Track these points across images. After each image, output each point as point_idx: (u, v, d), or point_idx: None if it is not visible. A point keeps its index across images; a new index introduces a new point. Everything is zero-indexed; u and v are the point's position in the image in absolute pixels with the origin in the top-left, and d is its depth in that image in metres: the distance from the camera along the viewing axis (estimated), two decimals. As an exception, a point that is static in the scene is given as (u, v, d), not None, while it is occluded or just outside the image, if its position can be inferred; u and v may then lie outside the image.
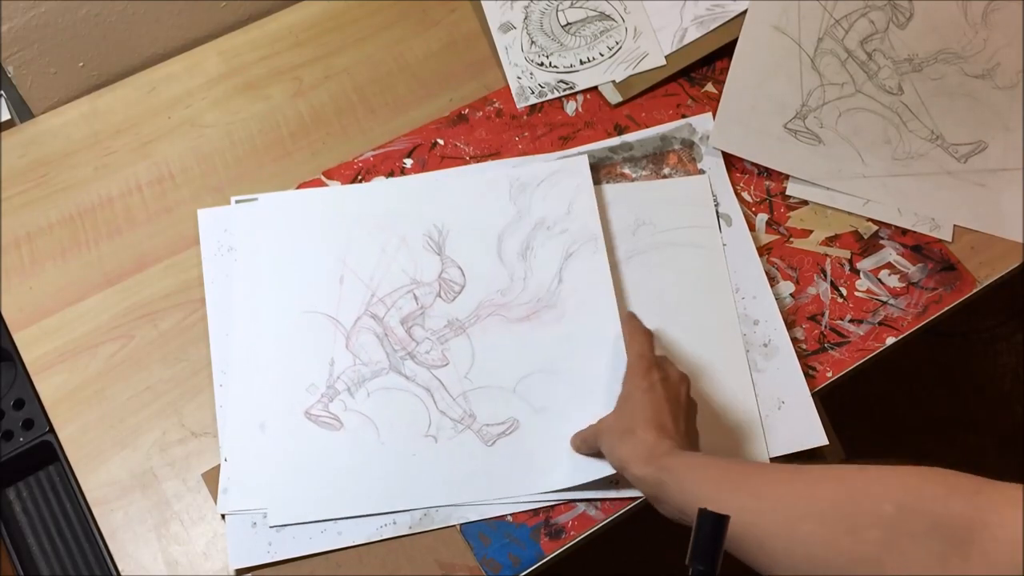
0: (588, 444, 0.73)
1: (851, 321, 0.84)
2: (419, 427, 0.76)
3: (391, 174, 0.90)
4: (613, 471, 0.71)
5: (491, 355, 0.79)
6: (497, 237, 0.84)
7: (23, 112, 0.94)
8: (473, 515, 0.74)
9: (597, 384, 0.77)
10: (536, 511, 0.75)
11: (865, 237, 0.88)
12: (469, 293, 0.81)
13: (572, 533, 0.74)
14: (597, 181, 0.89)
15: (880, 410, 1.53)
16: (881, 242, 0.88)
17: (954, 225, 0.89)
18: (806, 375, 0.80)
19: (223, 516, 0.74)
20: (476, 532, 0.74)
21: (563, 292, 0.81)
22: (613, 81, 0.95)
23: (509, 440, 0.76)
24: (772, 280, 0.85)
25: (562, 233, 0.84)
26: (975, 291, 0.86)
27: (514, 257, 0.83)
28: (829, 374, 0.81)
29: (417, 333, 0.79)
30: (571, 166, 0.87)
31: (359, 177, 0.89)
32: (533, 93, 0.95)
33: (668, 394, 0.69)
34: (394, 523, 0.74)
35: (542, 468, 0.75)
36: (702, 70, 0.97)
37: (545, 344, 0.79)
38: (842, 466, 0.57)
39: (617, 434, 0.68)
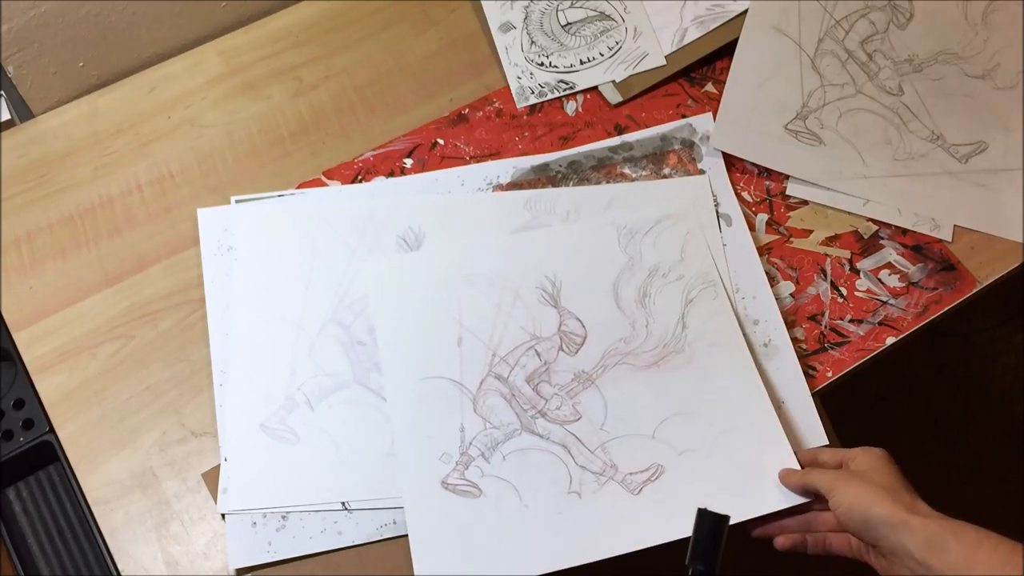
0: (801, 484, 0.72)
1: (851, 321, 0.84)
2: (561, 485, 0.74)
3: (391, 174, 0.90)
4: (784, 506, 0.72)
5: (624, 404, 0.77)
6: (612, 285, 0.82)
7: (23, 112, 0.94)
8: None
9: (743, 423, 0.76)
10: (536, 511, 0.75)
11: (865, 237, 0.88)
12: (592, 344, 0.79)
13: (572, 533, 0.74)
14: (596, 181, 0.89)
15: (880, 410, 1.53)
16: (881, 242, 0.88)
17: (954, 225, 0.89)
18: (806, 375, 0.80)
19: (223, 516, 0.74)
20: (476, 532, 0.74)
21: (690, 337, 0.80)
22: (613, 81, 0.95)
23: (656, 486, 0.74)
24: (772, 280, 0.85)
25: (679, 279, 0.82)
26: (975, 291, 0.86)
27: (632, 304, 0.81)
28: (829, 374, 0.81)
29: (544, 390, 0.77)
30: (678, 212, 0.85)
31: (359, 177, 0.89)
32: (533, 93, 0.95)
33: (906, 482, 0.68)
34: (394, 523, 0.74)
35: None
36: (702, 70, 0.97)
37: (679, 388, 0.78)
38: None
39: (872, 487, 0.66)
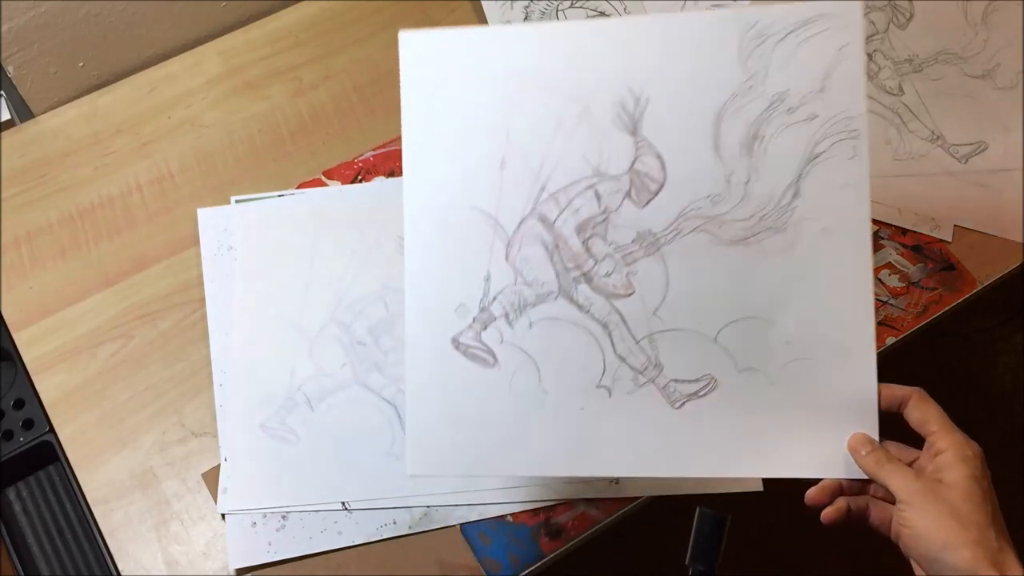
0: (872, 474, 0.58)
1: (851, 321, 0.84)
2: (591, 374, 0.61)
3: (391, 174, 0.90)
4: (844, 476, 0.59)
5: (691, 287, 0.60)
6: (715, 115, 0.60)
7: (23, 112, 0.94)
8: (473, 515, 0.74)
9: (829, 353, 0.60)
10: (536, 511, 0.75)
11: (865, 237, 0.88)
12: (669, 196, 0.60)
13: (572, 533, 0.74)
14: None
15: (880, 410, 1.52)
16: (881, 242, 0.88)
17: (954, 225, 0.89)
18: (806, 375, 0.80)
19: (223, 516, 0.74)
20: (476, 532, 0.74)
21: (799, 211, 0.60)
22: (613, 81, 0.95)
23: (702, 404, 0.60)
24: (772, 280, 0.85)
25: (809, 120, 0.60)
26: (975, 291, 0.86)
27: (736, 149, 0.60)
28: (829, 374, 0.81)
29: (596, 247, 0.62)
30: (837, 12, 0.60)
31: (359, 177, 0.89)
32: (533, 93, 0.94)
33: (995, 503, 0.57)
34: (394, 523, 0.74)
35: (741, 448, 0.60)
36: (702, 70, 0.97)
37: (765, 280, 0.60)
38: None
39: (954, 522, 0.55)
